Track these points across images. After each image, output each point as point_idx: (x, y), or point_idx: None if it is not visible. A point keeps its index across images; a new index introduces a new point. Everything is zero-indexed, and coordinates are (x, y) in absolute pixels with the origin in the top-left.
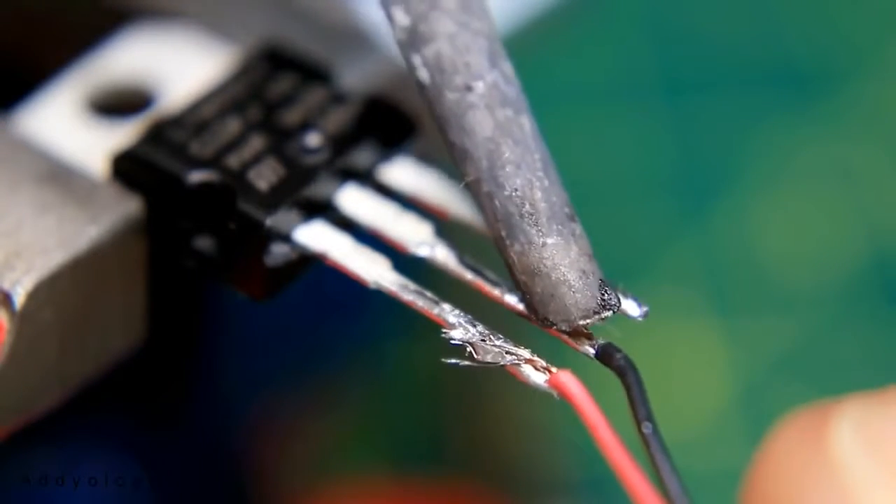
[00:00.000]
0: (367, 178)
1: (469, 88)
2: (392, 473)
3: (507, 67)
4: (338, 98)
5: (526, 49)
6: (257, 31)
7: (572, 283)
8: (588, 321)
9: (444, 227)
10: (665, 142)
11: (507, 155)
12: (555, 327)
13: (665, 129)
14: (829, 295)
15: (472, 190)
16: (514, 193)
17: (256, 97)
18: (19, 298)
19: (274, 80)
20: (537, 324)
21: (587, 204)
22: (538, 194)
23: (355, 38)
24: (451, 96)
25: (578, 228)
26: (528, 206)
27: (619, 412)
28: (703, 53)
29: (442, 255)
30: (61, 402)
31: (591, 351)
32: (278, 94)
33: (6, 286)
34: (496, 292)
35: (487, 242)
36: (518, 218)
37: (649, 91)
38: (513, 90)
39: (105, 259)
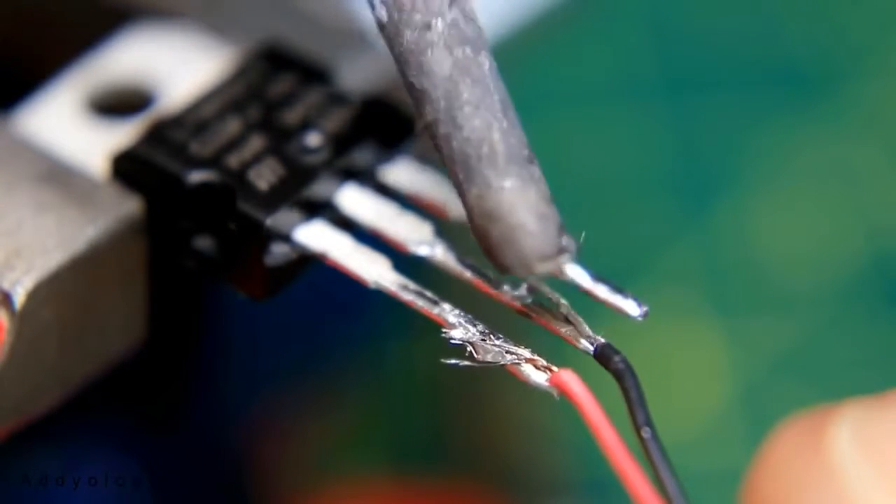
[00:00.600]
0: (367, 178)
1: (428, 27)
2: (392, 473)
3: (467, 5)
4: (338, 98)
5: (526, 49)
6: (257, 31)
7: (529, 227)
8: (546, 266)
9: (445, 226)
10: (665, 142)
11: (465, 95)
12: (512, 271)
13: (665, 129)
14: (829, 295)
15: (430, 132)
16: (472, 135)
17: (256, 97)
18: (19, 298)
19: (274, 80)
20: (496, 270)
21: (587, 204)
22: (496, 136)
23: (355, 38)
24: (409, 35)
25: (537, 171)
26: (486, 148)
27: (619, 411)
28: (703, 53)
29: (442, 254)
30: (61, 402)
31: (590, 348)
32: (278, 94)
33: (6, 286)
34: (496, 291)
35: None
36: (476, 160)
37: (649, 91)
38: (472, 28)
39: (105, 259)
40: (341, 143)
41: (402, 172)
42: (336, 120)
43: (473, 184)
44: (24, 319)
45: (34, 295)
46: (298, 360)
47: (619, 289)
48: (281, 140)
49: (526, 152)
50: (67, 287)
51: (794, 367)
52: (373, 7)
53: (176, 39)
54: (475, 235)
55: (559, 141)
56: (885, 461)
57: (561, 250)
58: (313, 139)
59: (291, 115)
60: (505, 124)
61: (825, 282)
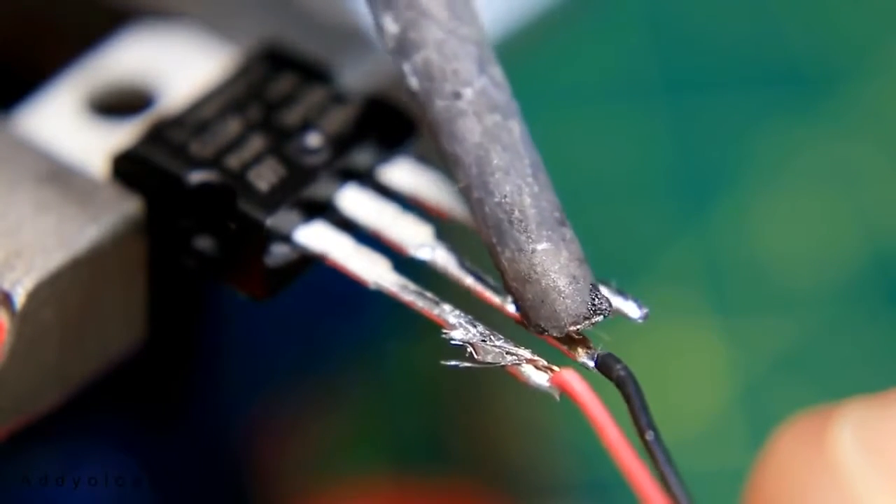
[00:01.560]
0: (367, 179)
1: (458, 95)
2: (392, 473)
3: (497, 72)
4: (338, 98)
5: (526, 49)
6: (257, 31)
7: (562, 288)
8: (579, 327)
9: (445, 228)
10: (665, 142)
11: (496, 161)
12: (546, 333)
13: (665, 129)
14: (829, 295)
15: (464, 196)
16: (503, 199)
17: (256, 97)
18: (20, 298)
19: (274, 80)
20: (530, 330)
21: (587, 204)
22: (527, 200)
23: (355, 38)
24: (440, 103)
25: (569, 233)
26: (517, 212)
27: (620, 409)
28: (703, 53)
29: (442, 258)
30: (61, 402)
31: (591, 363)
32: (278, 95)
33: (6, 286)
34: (496, 298)
35: None
36: (508, 224)
37: (649, 91)
38: (502, 95)
39: (105, 259)
40: (341, 144)
41: (403, 173)
42: (336, 120)
43: (506, 247)
44: (24, 319)
45: (35, 295)
46: (298, 360)
47: (619, 290)
48: (281, 140)
49: (557, 215)
50: (68, 287)
51: (794, 367)
52: (404, 75)
53: (176, 39)
54: (510, 295)
55: (559, 141)
56: (887, 460)
57: (594, 311)
58: (313, 139)
59: (292, 116)
60: (536, 188)
61: (825, 282)
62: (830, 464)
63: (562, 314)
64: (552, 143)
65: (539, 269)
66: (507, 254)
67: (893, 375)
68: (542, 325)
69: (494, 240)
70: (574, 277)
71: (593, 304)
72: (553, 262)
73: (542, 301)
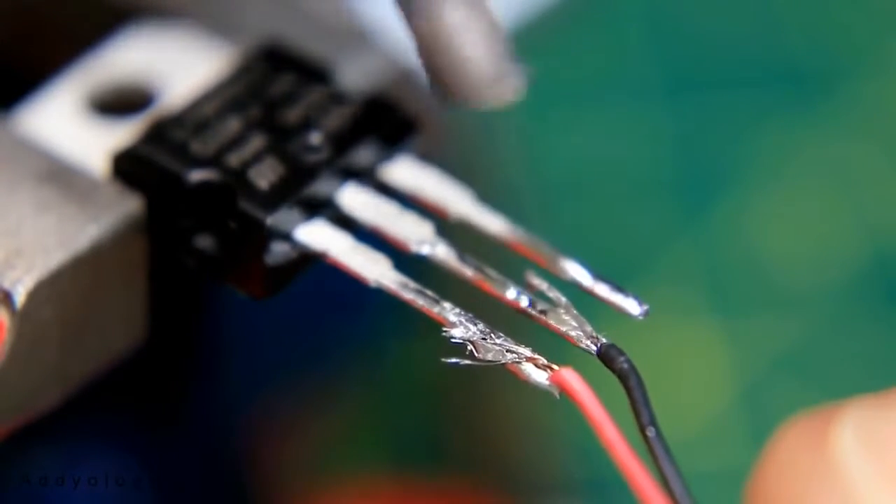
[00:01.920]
0: (367, 177)
1: None
2: (392, 473)
3: None
4: (338, 97)
5: (526, 49)
6: (257, 31)
7: (472, 54)
8: (491, 89)
9: (445, 225)
10: (665, 141)
11: None
12: (459, 100)
13: (665, 129)
14: (829, 295)
15: None
16: None
17: (257, 96)
18: (20, 297)
19: (274, 79)
20: (444, 99)
21: (587, 203)
22: None
23: (355, 38)
24: None
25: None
26: None
27: (620, 408)
28: (703, 53)
29: (443, 253)
30: (62, 401)
31: (594, 348)
32: (278, 94)
33: (7, 285)
34: (497, 290)
35: (488, 241)
36: None
37: (649, 91)
38: None
39: (105, 258)
40: (342, 142)
41: (403, 171)
42: (336, 119)
43: (414, 11)
44: (24, 318)
45: (35, 294)
46: (298, 360)
47: (619, 288)
48: (281, 139)
49: None
50: (68, 286)
51: (794, 366)
52: None
53: (176, 39)
54: (423, 67)
55: (559, 141)
56: (888, 461)
57: (505, 72)
58: (314, 138)
59: (292, 115)
60: None
61: (825, 282)
62: (831, 465)
63: (473, 79)
64: (552, 143)
65: (450, 32)
66: (416, 19)
67: (893, 375)
68: (454, 91)
69: (401, 9)
70: (486, 40)
71: (505, 66)
72: (465, 27)
73: (454, 66)
